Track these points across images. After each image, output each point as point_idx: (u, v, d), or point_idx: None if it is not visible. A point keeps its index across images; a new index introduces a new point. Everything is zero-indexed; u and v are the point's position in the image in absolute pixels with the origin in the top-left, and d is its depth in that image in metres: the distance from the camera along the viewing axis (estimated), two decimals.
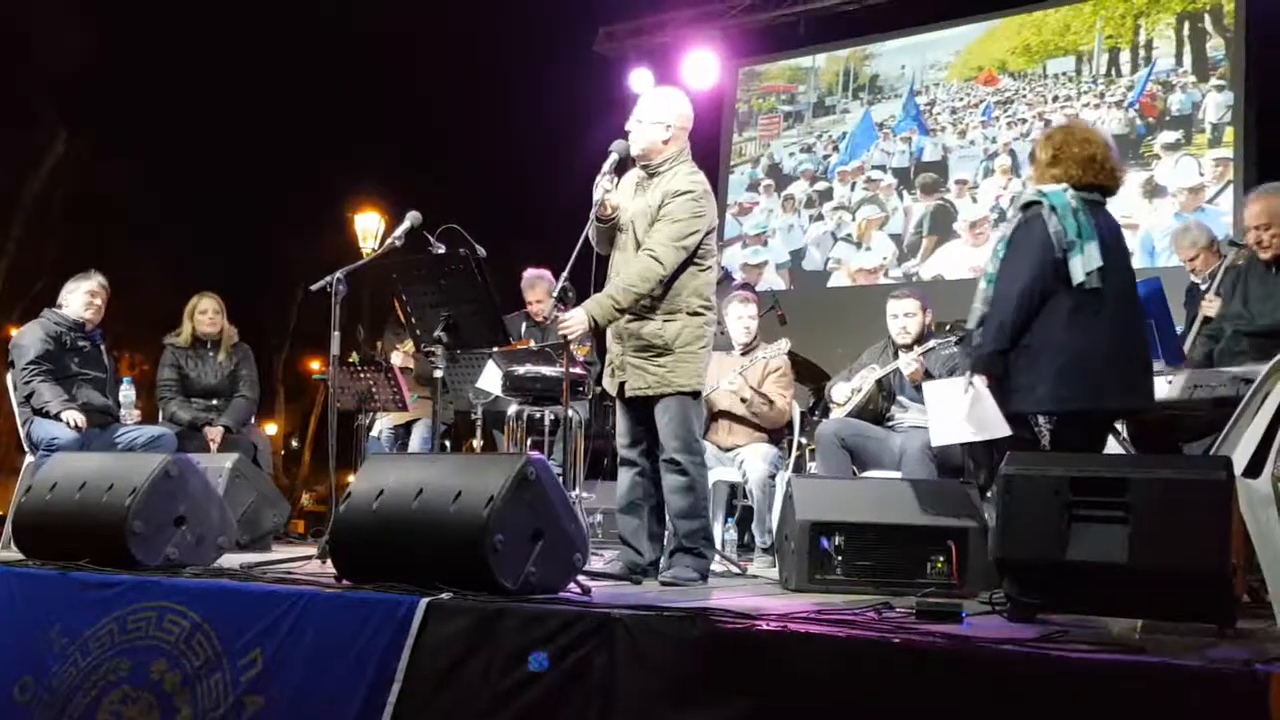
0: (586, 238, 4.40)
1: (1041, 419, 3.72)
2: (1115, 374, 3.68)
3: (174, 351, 6.59)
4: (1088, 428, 3.71)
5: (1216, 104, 8.91)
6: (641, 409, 4.42)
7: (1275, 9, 8.61)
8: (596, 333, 4.58)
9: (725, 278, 7.25)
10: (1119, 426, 4.47)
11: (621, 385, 4.39)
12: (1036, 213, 3.77)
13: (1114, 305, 3.72)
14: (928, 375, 5.40)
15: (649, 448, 4.48)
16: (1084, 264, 3.66)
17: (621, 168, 4.45)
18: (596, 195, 4.35)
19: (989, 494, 4.36)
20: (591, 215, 4.37)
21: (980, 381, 3.83)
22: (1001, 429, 4.09)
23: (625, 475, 4.49)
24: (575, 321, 4.24)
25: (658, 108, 4.42)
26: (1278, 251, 4.87)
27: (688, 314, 4.31)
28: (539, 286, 7.01)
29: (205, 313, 6.60)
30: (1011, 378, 3.75)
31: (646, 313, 4.30)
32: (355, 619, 3.13)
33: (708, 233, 4.36)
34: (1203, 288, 5.67)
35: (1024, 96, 9.81)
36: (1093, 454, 3.75)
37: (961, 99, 10.14)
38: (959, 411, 4.22)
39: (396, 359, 7.15)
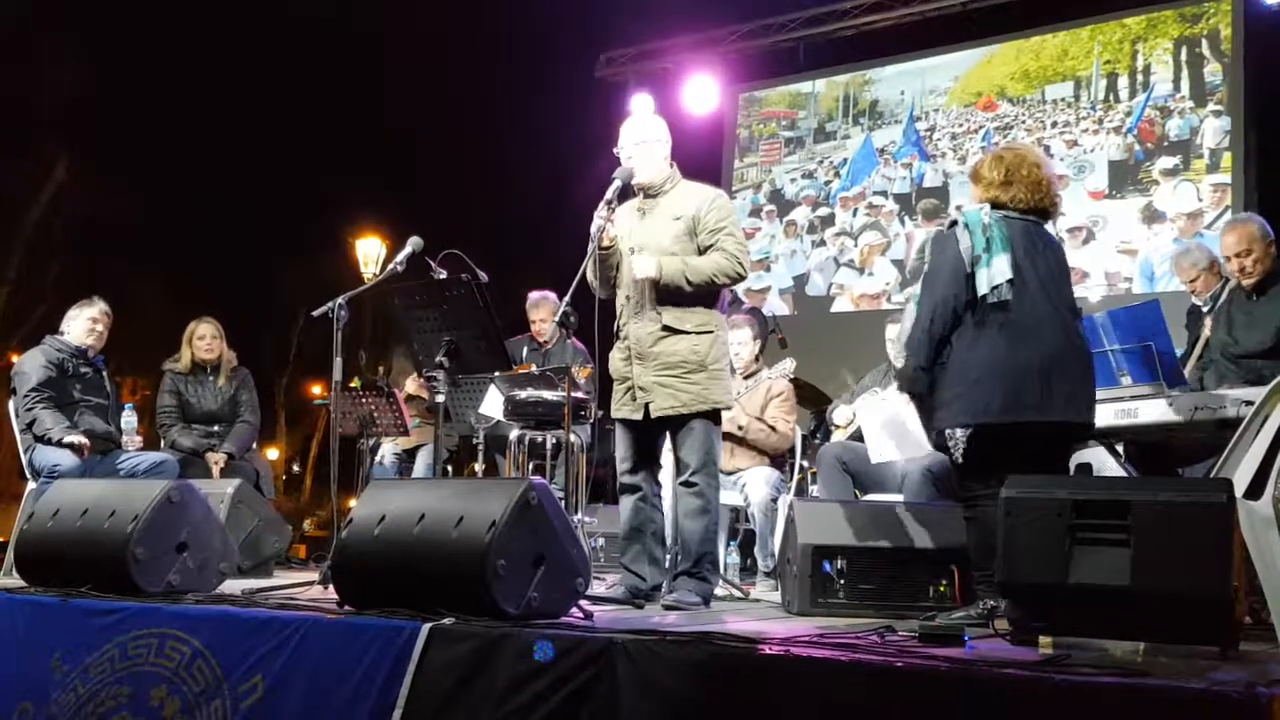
0: (586, 263, 4.41)
1: (958, 434, 3.66)
2: (1029, 389, 3.59)
3: (173, 378, 6.58)
4: (1005, 444, 3.59)
5: (1214, 129, 8.94)
6: (654, 432, 4.41)
7: (1273, 35, 8.65)
8: (600, 358, 4.59)
9: (733, 300, 7.27)
10: (1119, 448, 4.48)
11: (646, 406, 4.34)
12: (952, 232, 3.77)
13: (1030, 320, 3.65)
14: None
15: (652, 472, 4.48)
16: (989, 278, 3.64)
17: (622, 196, 4.46)
18: (595, 225, 4.35)
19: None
20: (590, 247, 4.37)
21: (901, 399, 3.81)
22: (920, 448, 4.08)
23: (627, 501, 4.48)
24: (648, 261, 4.26)
25: (654, 128, 4.49)
26: (1259, 277, 4.90)
27: (717, 329, 4.36)
28: (544, 306, 7.02)
29: (204, 338, 6.58)
30: (935, 394, 3.73)
31: (680, 326, 4.30)
32: (357, 645, 3.13)
33: None
34: (1204, 310, 5.68)
35: (1023, 122, 9.85)
36: (1094, 477, 3.74)
37: (961, 125, 10.18)
38: (886, 429, 4.22)
39: (410, 387, 7.15)
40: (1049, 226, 3.91)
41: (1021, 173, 3.80)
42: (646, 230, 4.40)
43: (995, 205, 3.79)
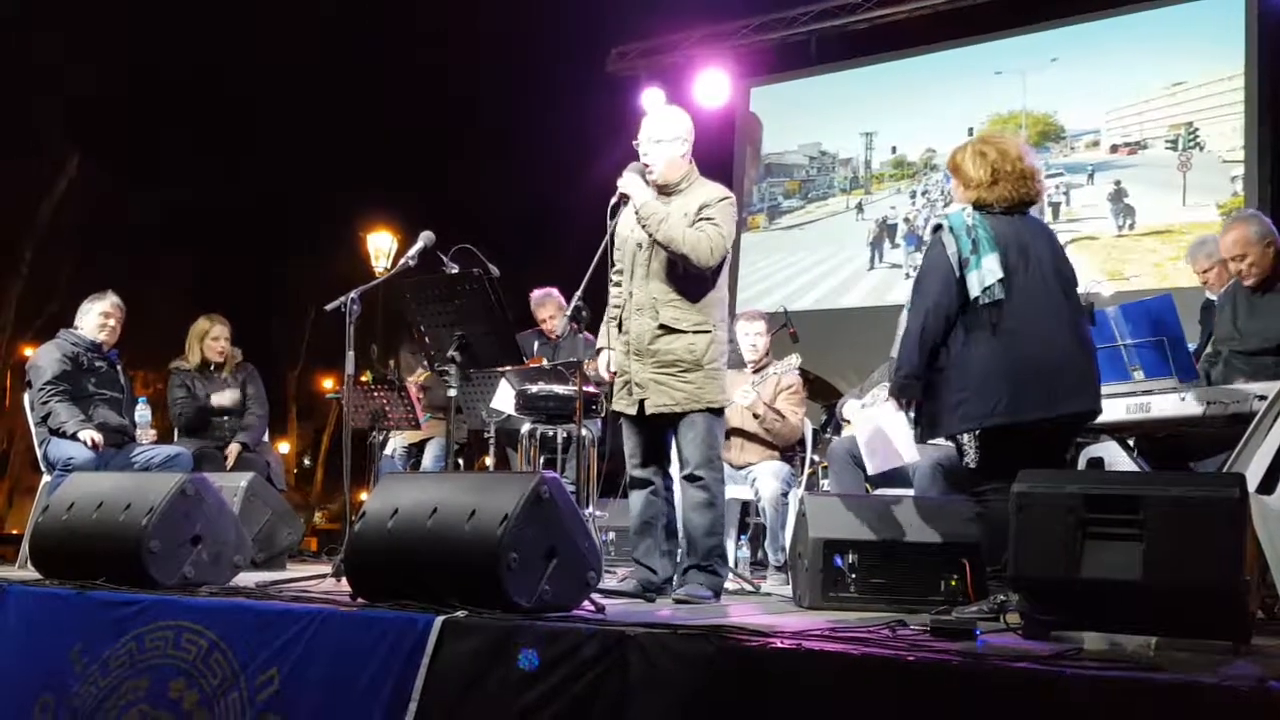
0: (600, 257, 4.43)
1: (966, 439, 3.67)
2: (1032, 385, 3.58)
3: (180, 375, 6.64)
4: (1014, 443, 3.57)
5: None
6: (656, 427, 4.41)
7: None
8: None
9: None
10: (1131, 443, 4.47)
11: (641, 403, 4.36)
12: (938, 236, 3.74)
13: (1029, 317, 3.63)
14: None
15: (662, 466, 4.49)
16: (979, 280, 3.61)
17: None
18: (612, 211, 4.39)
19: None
20: (607, 239, 4.39)
21: (891, 407, 3.80)
22: (907, 456, 4.05)
23: (638, 496, 4.49)
24: (637, 185, 4.31)
25: (672, 124, 4.45)
26: (1258, 279, 4.89)
27: (713, 330, 4.34)
28: (549, 304, 7.03)
29: (218, 339, 6.65)
30: (936, 401, 3.70)
31: (677, 325, 4.30)
32: (371, 637, 3.14)
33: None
34: (1218, 304, 5.65)
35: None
36: (1106, 471, 3.74)
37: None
38: (871, 443, 4.21)
39: (410, 387, 7.17)
40: (1034, 211, 3.86)
41: (1006, 169, 3.75)
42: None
43: (978, 205, 3.75)
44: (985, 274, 3.62)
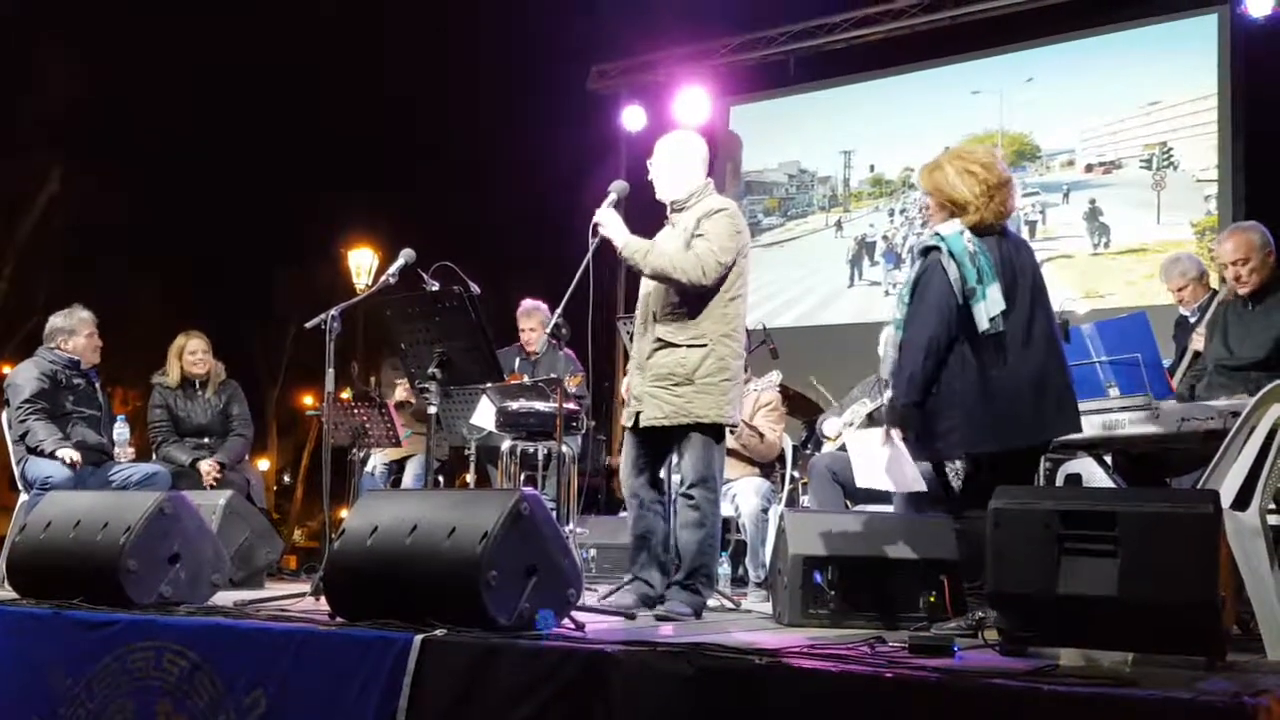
0: (580, 275, 4.45)
1: (949, 465, 3.68)
2: (1024, 412, 3.59)
3: (161, 392, 6.59)
4: (999, 465, 3.59)
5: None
6: (655, 442, 4.44)
7: (1260, 45, 8.69)
8: (592, 368, 4.61)
9: None
10: (1107, 459, 4.50)
11: (637, 416, 4.40)
12: (936, 259, 3.67)
13: (1021, 342, 3.63)
14: None
15: (651, 481, 4.50)
16: (987, 310, 3.58)
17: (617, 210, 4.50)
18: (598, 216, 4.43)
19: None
20: (588, 258, 4.42)
21: (895, 435, 3.77)
22: (915, 484, 4.07)
23: (630, 509, 4.53)
24: (615, 223, 4.36)
25: (668, 144, 4.56)
26: (1255, 286, 4.92)
27: (713, 343, 4.33)
28: (534, 316, 7.03)
29: (194, 354, 6.57)
30: (930, 426, 3.68)
31: (671, 339, 4.33)
32: (353, 657, 3.13)
33: (743, 257, 4.41)
34: (1191, 320, 5.70)
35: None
36: (1082, 487, 3.77)
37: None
38: (878, 462, 4.22)
39: (399, 394, 7.15)
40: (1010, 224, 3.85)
41: (994, 182, 3.69)
42: (665, 244, 4.44)
43: (974, 228, 3.75)
44: (991, 305, 3.58)
